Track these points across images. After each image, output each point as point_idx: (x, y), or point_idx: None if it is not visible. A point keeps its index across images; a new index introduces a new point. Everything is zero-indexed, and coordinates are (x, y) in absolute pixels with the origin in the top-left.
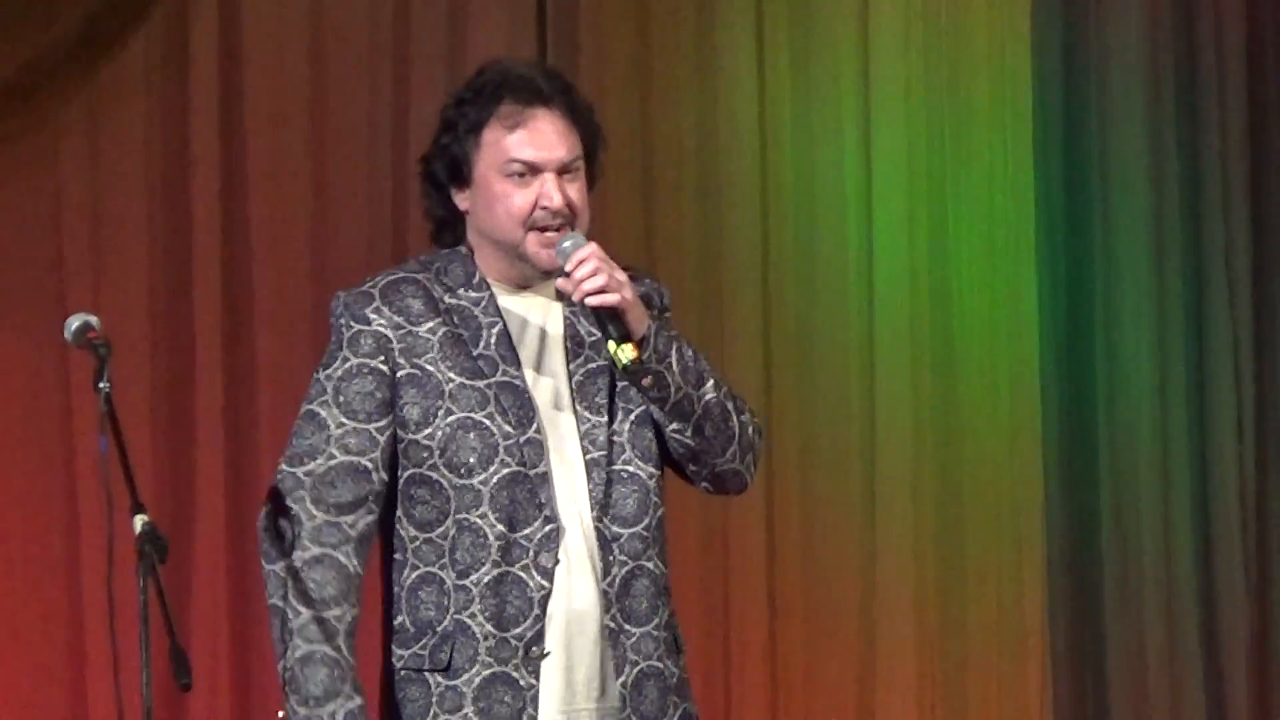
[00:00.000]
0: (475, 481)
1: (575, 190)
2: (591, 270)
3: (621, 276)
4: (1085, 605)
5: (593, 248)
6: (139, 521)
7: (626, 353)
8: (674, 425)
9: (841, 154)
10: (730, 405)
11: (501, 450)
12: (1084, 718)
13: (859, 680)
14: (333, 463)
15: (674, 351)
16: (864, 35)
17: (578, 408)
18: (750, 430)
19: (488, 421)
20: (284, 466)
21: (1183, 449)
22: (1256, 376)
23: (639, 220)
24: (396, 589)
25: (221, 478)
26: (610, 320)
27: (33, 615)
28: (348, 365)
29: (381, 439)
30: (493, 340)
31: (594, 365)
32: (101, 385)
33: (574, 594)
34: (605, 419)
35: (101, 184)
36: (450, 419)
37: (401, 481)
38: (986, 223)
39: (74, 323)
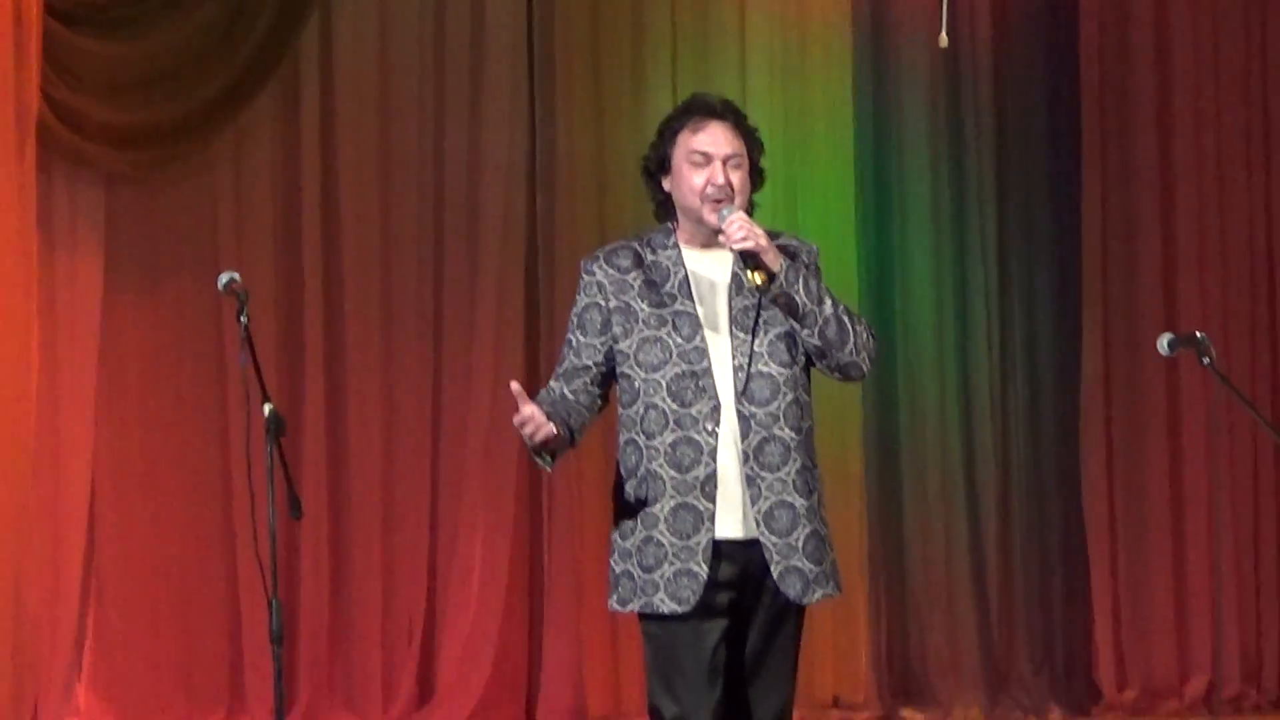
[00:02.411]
0: (656, 376)
1: (736, 177)
2: (738, 227)
3: (759, 232)
4: (888, 464)
5: (741, 214)
6: (267, 408)
7: (755, 278)
8: (805, 331)
9: None
10: (846, 317)
11: (675, 355)
12: (889, 539)
13: None
14: (567, 365)
15: (800, 280)
16: (744, 91)
17: (733, 330)
18: (865, 336)
19: (665, 336)
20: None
21: (952, 361)
22: (1000, 317)
23: (595, 224)
24: (618, 449)
25: (322, 378)
26: (749, 258)
27: (197, 470)
28: (583, 303)
29: (603, 347)
30: (676, 283)
31: (748, 302)
32: (241, 318)
33: (726, 452)
34: (750, 336)
35: (242, 186)
36: (641, 335)
37: (617, 376)
38: (823, 218)
39: (223, 277)
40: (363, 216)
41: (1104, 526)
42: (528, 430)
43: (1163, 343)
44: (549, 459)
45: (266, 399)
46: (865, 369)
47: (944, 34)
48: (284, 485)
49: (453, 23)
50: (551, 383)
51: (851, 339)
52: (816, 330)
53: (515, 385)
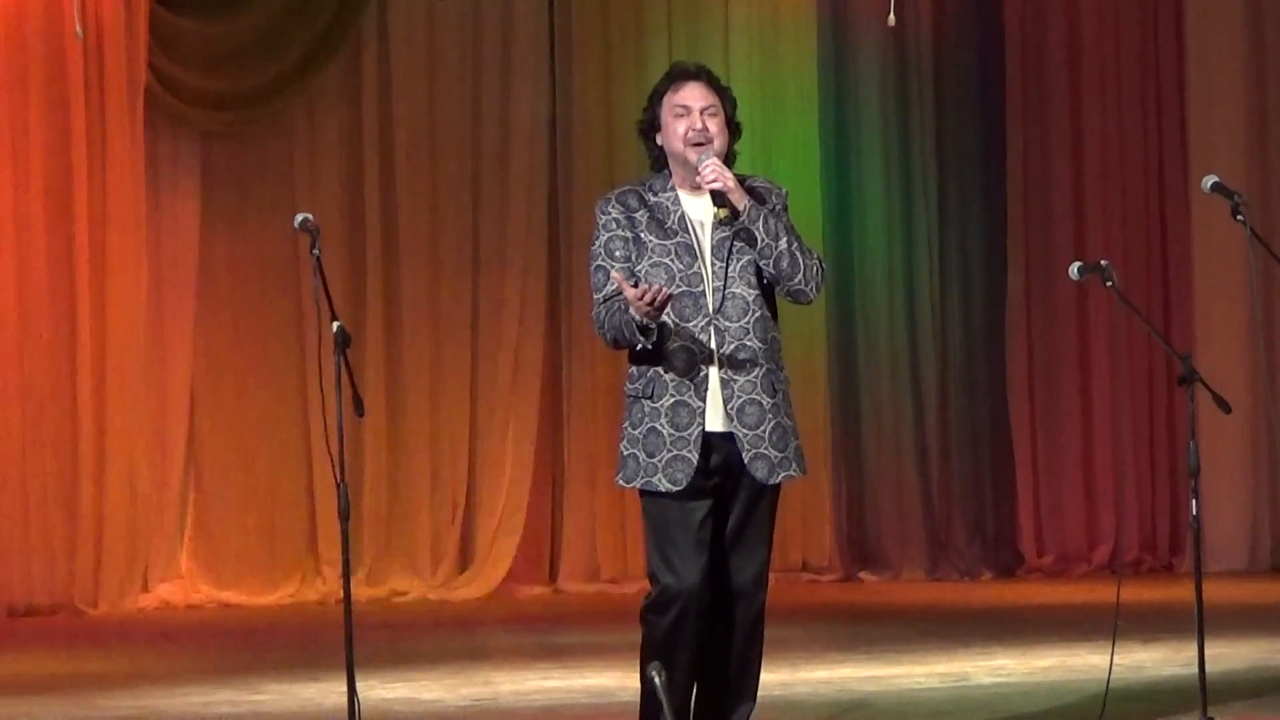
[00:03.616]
0: None
1: (713, 124)
2: (710, 170)
3: (728, 175)
4: (848, 370)
5: (715, 159)
6: (335, 325)
7: (720, 214)
8: (762, 261)
9: None
10: (799, 253)
11: (677, 278)
12: (849, 432)
13: None
14: (610, 288)
15: (761, 219)
16: (728, 62)
17: (712, 259)
18: (815, 269)
19: (669, 262)
20: (595, 297)
21: (900, 284)
22: (940, 247)
23: (604, 171)
24: (631, 355)
25: (380, 300)
26: (719, 195)
27: (278, 375)
28: (605, 236)
29: (629, 268)
30: (676, 219)
31: (725, 235)
32: (314, 251)
33: (710, 358)
34: (725, 264)
35: (314, 140)
36: (650, 260)
37: None
38: (793, 165)
39: (299, 217)
40: (414, 165)
41: (1026, 421)
42: (646, 299)
43: (1073, 270)
44: (653, 332)
45: (334, 317)
46: (811, 297)
47: (892, 15)
48: (349, 388)
49: (487, 4)
50: (599, 307)
51: (801, 271)
52: (771, 261)
53: (615, 273)
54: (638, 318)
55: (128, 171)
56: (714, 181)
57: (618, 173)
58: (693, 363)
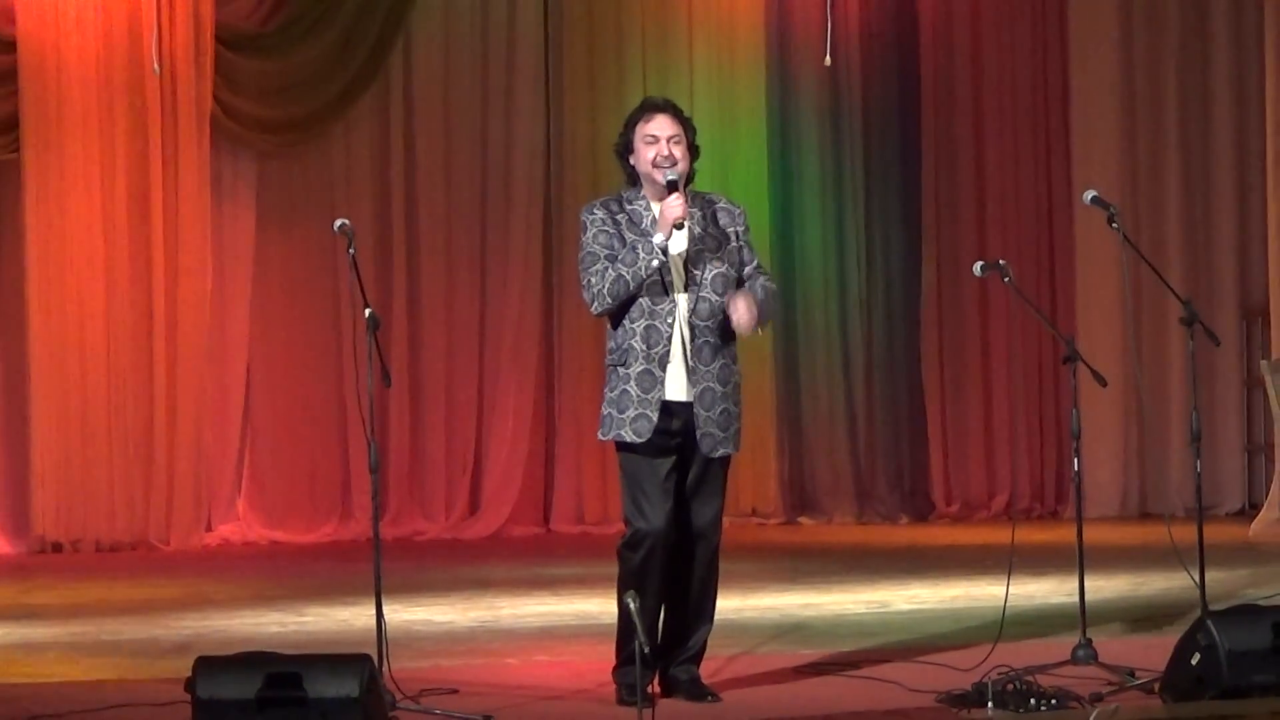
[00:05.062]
0: None
1: (678, 150)
2: (672, 204)
3: (683, 209)
4: (790, 349)
5: (673, 198)
6: (367, 311)
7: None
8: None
9: None
10: (769, 308)
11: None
12: (790, 400)
13: None
14: (601, 263)
15: (762, 321)
16: (691, 94)
17: (688, 266)
18: (770, 308)
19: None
20: (589, 271)
21: (833, 279)
22: (867, 246)
23: (589, 183)
24: (610, 329)
25: (404, 290)
26: (679, 225)
27: (320, 352)
28: (593, 231)
29: (614, 254)
30: (648, 221)
31: (700, 248)
32: (350, 250)
33: (678, 350)
34: (700, 272)
35: (350, 159)
36: (626, 251)
37: None
38: (745, 180)
39: (337, 222)
40: (432, 178)
41: (937, 392)
42: (676, 201)
43: (977, 267)
44: (666, 248)
45: (366, 305)
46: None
47: (828, 57)
48: (379, 364)
49: (493, 46)
50: (592, 280)
51: (769, 319)
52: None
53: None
54: (664, 231)
55: (196, 184)
56: (675, 215)
57: (601, 185)
58: (658, 339)
